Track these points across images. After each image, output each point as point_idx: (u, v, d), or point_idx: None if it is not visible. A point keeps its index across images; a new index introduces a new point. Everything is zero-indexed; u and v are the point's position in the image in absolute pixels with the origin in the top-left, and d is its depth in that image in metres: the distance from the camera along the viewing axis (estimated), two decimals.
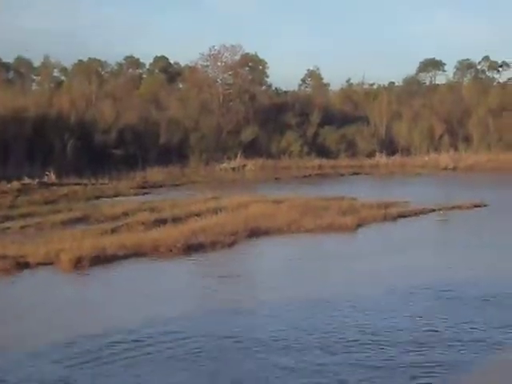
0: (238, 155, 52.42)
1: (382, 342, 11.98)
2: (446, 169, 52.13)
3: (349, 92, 72.34)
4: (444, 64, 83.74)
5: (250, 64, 62.66)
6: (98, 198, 34.26)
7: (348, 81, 75.12)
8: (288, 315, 13.83)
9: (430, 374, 10.52)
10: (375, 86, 74.85)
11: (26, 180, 37.62)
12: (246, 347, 11.86)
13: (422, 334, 12.48)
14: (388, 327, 12.84)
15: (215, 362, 11.15)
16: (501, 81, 77.60)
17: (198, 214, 25.96)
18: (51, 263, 18.49)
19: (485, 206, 30.93)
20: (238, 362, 11.19)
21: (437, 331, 12.63)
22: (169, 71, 71.64)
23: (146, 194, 36.59)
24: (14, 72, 71.19)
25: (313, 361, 11.12)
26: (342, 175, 49.02)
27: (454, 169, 52.23)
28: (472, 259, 19.67)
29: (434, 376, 10.49)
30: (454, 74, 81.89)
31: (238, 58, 58.78)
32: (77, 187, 37.19)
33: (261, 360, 11.20)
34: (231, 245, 21.71)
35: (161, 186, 40.61)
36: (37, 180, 38.13)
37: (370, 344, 11.89)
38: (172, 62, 74.29)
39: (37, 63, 69.94)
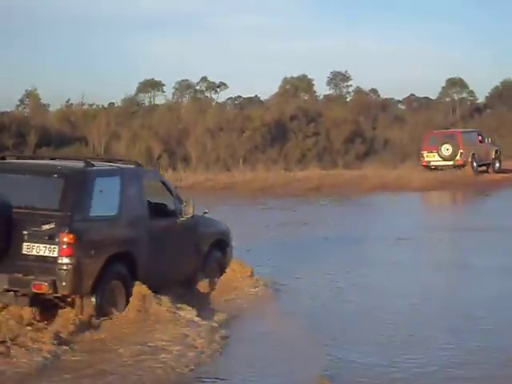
0: None
1: None
2: None
3: (67, 113, 70.88)
4: (163, 85, 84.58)
5: None
6: None
7: (68, 101, 73.77)
8: None
9: None
10: (95, 107, 74.14)
11: None
12: None
13: None
14: None
15: None
16: (219, 101, 79.57)
17: None
18: None
19: None
20: None
21: None
22: None
23: None
24: None
25: None
26: None
27: (176, 188, 52.49)
28: None
29: None
30: (173, 94, 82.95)
31: None
32: None
33: None
34: None
35: None
36: None
37: None
38: None
39: None
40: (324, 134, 57.69)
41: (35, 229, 9.49)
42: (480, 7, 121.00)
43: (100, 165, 10.96)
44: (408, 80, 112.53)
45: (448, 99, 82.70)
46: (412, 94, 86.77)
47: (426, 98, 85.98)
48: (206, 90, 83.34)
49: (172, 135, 62.75)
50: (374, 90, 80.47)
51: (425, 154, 39.80)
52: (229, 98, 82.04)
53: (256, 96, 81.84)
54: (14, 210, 9.62)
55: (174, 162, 60.62)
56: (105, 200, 10.12)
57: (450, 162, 38.69)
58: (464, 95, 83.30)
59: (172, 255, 11.16)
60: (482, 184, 36.53)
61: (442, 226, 22.94)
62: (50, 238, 9.45)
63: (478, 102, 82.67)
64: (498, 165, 40.90)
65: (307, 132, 57.65)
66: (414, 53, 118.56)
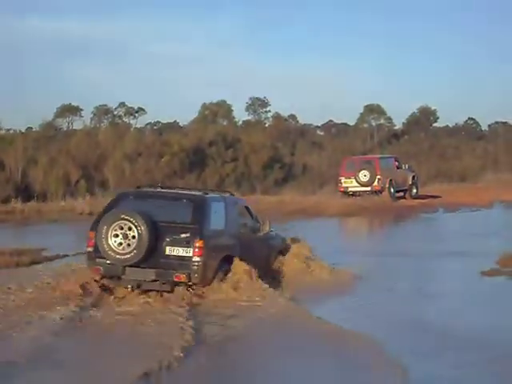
0: None
1: None
2: (82, 214, 51.26)
3: None
4: (81, 109, 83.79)
5: None
6: None
7: None
8: None
9: None
10: (12, 132, 72.81)
11: None
12: None
13: None
14: None
15: None
16: (138, 126, 78.81)
17: None
18: None
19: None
20: None
21: None
22: None
23: None
24: None
25: None
26: None
27: (91, 213, 51.58)
28: None
29: None
30: (92, 119, 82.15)
31: None
32: None
33: None
34: None
35: None
36: None
37: None
38: None
39: None
40: (242, 159, 57.62)
41: (175, 236, 13.62)
42: (397, 36, 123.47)
43: (212, 193, 15.52)
44: (327, 106, 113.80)
45: (366, 125, 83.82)
46: (330, 120, 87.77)
47: (345, 124, 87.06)
48: (125, 115, 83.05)
49: (90, 160, 61.89)
50: (292, 116, 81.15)
51: (342, 179, 39.98)
52: (147, 124, 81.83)
53: (175, 121, 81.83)
54: (158, 224, 13.59)
55: (91, 187, 59.59)
56: (217, 218, 14.34)
57: (368, 188, 38.89)
58: (382, 121, 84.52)
59: (254, 259, 14.89)
60: (399, 210, 36.86)
61: (358, 251, 22.92)
62: (187, 243, 13.58)
63: (396, 128, 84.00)
64: (415, 190, 41.37)
65: (226, 157, 57.53)
66: (332, 79, 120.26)
